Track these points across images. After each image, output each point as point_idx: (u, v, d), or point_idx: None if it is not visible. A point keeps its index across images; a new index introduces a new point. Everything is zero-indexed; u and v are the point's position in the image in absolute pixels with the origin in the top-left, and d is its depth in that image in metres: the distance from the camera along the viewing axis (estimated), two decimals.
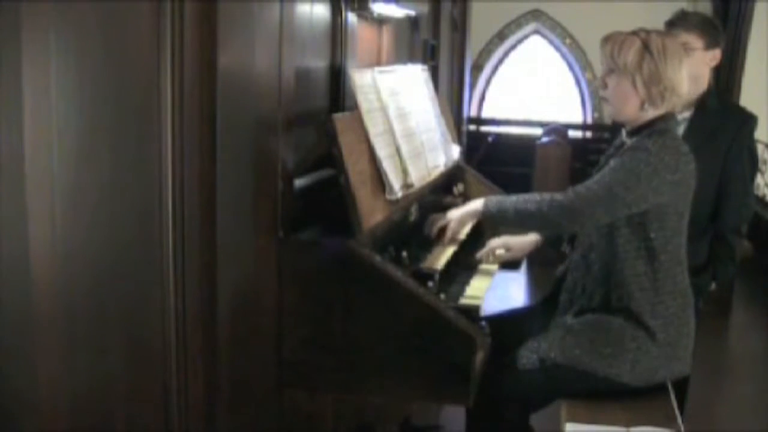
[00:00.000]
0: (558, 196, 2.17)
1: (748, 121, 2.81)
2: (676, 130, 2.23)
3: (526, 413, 2.30)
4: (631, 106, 2.18)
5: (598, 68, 2.31)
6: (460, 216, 2.40)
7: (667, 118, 2.20)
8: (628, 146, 2.18)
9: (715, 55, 2.78)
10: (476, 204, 2.35)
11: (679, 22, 2.76)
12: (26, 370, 1.12)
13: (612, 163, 2.18)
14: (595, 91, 7.53)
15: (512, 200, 2.25)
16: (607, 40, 2.21)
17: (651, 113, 2.19)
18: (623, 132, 2.28)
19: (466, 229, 2.57)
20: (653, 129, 2.17)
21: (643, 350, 2.15)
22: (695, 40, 2.72)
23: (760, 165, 6.69)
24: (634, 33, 2.18)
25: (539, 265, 2.68)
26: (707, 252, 2.79)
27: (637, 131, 2.21)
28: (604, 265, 2.20)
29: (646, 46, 2.13)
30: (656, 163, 2.10)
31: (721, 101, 2.88)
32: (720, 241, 2.78)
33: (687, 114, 2.77)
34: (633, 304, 2.15)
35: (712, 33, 2.76)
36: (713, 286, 2.84)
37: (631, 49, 2.14)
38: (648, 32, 2.17)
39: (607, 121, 6.83)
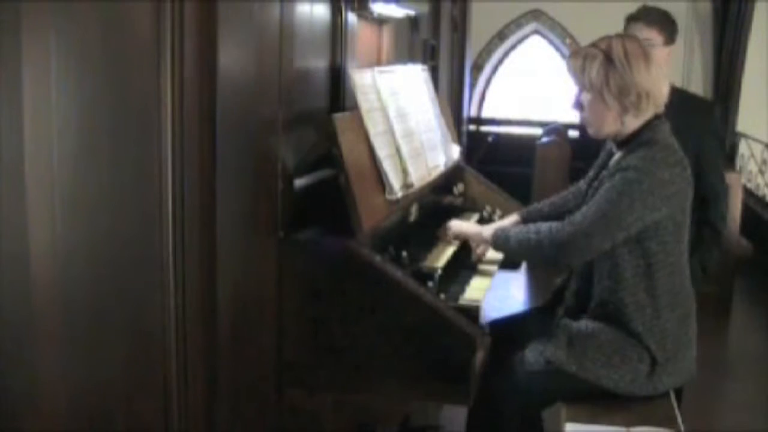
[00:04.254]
0: (556, 229, 2.10)
1: (711, 109, 2.89)
2: (668, 133, 2.15)
3: (531, 413, 2.29)
4: (609, 122, 2.12)
5: None
6: (468, 232, 2.44)
7: (653, 125, 2.12)
8: (617, 166, 2.11)
9: (670, 52, 2.81)
10: (487, 232, 2.35)
11: (641, 16, 2.79)
12: (26, 370, 1.12)
13: (604, 186, 2.10)
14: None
15: (516, 232, 2.22)
16: (571, 57, 2.16)
17: (632, 123, 2.12)
18: (612, 145, 2.23)
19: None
20: (640, 140, 2.10)
21: (643, 365, 2.13)
22: (656, 36, 2.74)
23: (760, 165, 6.71)
24: (595, 45, 2.11)
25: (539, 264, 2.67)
26: (691, 241, 2.82)
27: (624, 143, 2.15)
28: (603, 287, 2.16)
29: (608, 58, 2.07)
30: (649, 181, 2.03)
31: (681, 94, 2.91)
32: (709, 229, 2.82)
33: None
34: (632, 324, 2.12)
35: (671, 30, 2.80)
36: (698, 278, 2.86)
37: (594, 64, 2.08)
38: (609, 39, 2.11)
39: None
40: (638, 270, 2.12)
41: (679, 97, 2.82)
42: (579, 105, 2.18)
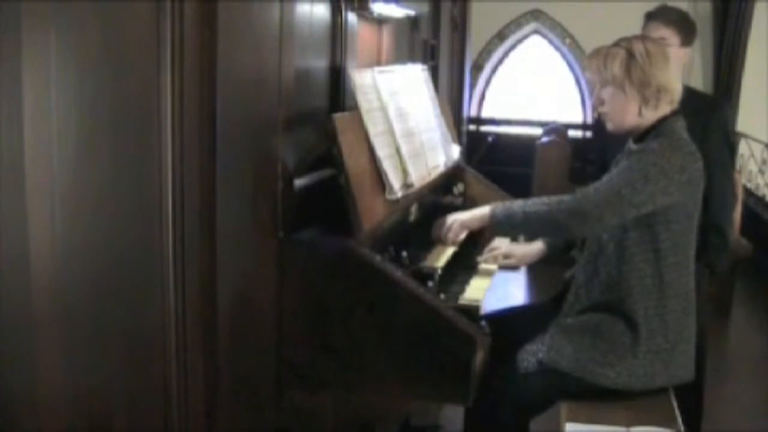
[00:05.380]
0: (566, 199, 2.17)
1: (720, 107, 2.82)
2: (682, 128, 2.22)
3: (524, 417, 2.30)
4: (630, 115, 2.20)
5: None
6: (464, 220, 2.38)
7: (670, 119, 2.20)
8: (635, 150, 2.19)
9: (686, 53, 2.79)
10: (482, 210, 2.33)
11: (659, 15, 2.77)
12: (26, 370, 1.12)
13: (620, 165, 2.19)
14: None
15: (519, 205, 2.24)
16: (592, 56, 2.25)
17: (651, 117, 2.20)
18: (630, 140, 2.27)
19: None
20: (658, 131, 2.18)
21: (640, 358, 2.14)
22: (672, 36, 2.73)
23: (760, 165, 6.71)
24: (616, 44, 2.21)
25: (539, 265, 2.68)
26: (697, 243, 2.78)
27: (642, 137, 2.22)
28: (611, 268, 2.19)
29: (630, 54, 2.16)
30: (663, 163, 2.10)
31: (690, 92, 2.89)
32: (715, 231, 2.77)
33: None
34: (635, 309, 2.14)
35: (689, 31, 2.78)
36: (706, 280, 2.83)
37: (616, 59, 2.17)
38: (629, 40, 2.21)
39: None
40: (647, 255, 2.16)
41: (686, 93, 2.81)
42: (600, 101, 2.25)
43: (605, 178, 2.18)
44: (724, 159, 2.76)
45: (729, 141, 2.82)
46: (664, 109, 2.20)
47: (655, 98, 2.17)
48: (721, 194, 2.75)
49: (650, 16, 2.79)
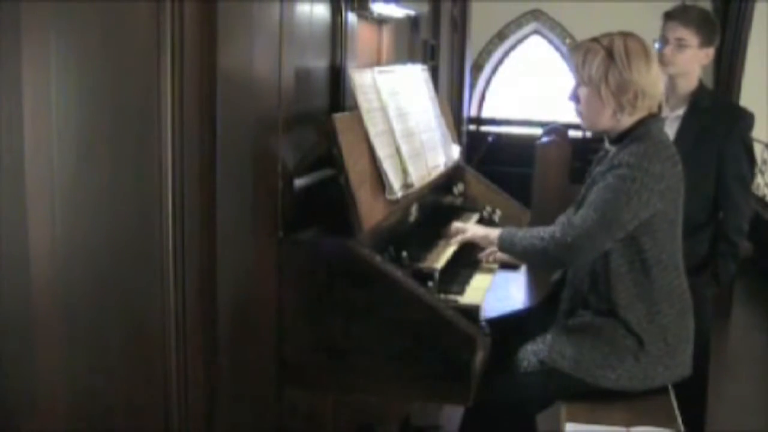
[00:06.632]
0: (558, 234, 2.12)
1: (742, 117, 2.77)
2: (660, 130, 2.18)
3: (525, 417, 2.30)
4: (604, 117, 2.14)
5: None
6: (476, 236, 2.43)
7: (647, 122, 2.14)
8: (609, 164, 2.12)
9: (707, 54, 2.74)
10: (494, 234, 2.36)
11: (678, 15, 2.72)
12: (26, 370, 1.12)
13: (597, 187, 2.13)
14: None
15: (520, 237, 2.24)
16: (572, 51, 2.19)
17: (627, 120, 2.14)
18: (606, 141, 2.24)
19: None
20: (633, 136, 2.13)
21: (641, 360, 2.14)
22: (691, 37, 2.69)
23: (760, 165, 6.71)
24: (597, 41, 2.13)
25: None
26: (706, 250, 2.77)
27: (619, 139, 2.17)
28: (599, 280, 2.17)
29: (609, 54, 2.08)
30: (641, 176, 2.05)
31: (713, 97, 2.87)
32: (723, 240, 2.76)
33: (680, 111, 2.76)
34: (630, 317, 2.14)
35: (709, 31, 2.72)
36: (713, 287, 2.81)
37: (595, 59, 2.10)
38: (611, 37, 2.12)
39: None
40: (633, 266, 2.14)
41: (710, 100, 2.79)
42: (575, 97, 2.20)
43: (588, 201, 2.13)
44: (742, 172, 2.74)
45: (750, 154, 2.78)
46: (642, 112, 2.14)
47: (631, 105, 2.10)
48: (736, 206, 2.73)
49: (668, 16, 2.72)
